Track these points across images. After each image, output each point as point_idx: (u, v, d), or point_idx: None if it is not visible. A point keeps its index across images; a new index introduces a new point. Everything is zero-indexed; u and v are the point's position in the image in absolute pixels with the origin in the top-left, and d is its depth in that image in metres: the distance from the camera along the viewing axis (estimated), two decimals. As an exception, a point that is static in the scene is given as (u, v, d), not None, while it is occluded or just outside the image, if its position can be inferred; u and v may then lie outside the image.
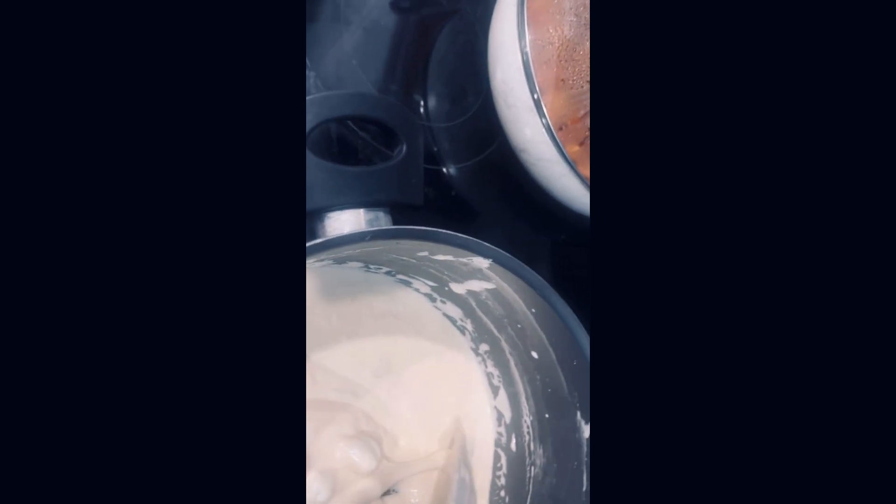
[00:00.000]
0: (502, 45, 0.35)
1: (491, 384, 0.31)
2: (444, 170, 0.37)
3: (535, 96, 0.33)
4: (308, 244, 0.16)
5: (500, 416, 0.31)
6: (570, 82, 0.36)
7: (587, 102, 0.36)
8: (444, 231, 0.20)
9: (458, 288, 0.27)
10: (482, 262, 0.22)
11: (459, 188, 0.37)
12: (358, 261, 0.26)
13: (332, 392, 0.29)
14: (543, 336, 0.26)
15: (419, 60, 0.37)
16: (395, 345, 0.31)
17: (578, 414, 0.26)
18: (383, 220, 0.20)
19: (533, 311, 0.25)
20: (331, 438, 0.26)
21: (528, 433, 0.29)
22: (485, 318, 0.29)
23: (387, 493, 0.28)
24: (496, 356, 0.30)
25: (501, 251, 0.21)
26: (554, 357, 0.26)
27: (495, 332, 0.29)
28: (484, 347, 0.31)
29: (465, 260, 0.23)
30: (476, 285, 0.26)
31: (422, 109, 0.36)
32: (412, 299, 0.30)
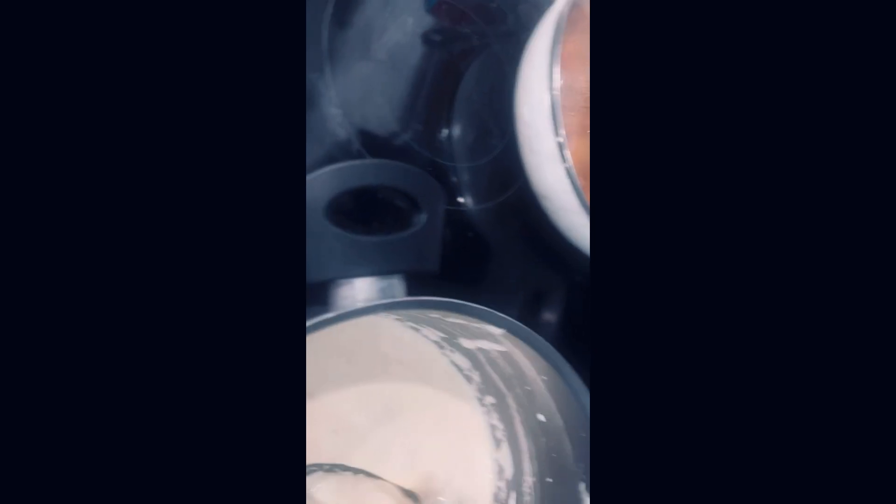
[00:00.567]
0: (531, 85, 0.35)
1: (494, 436, 0.31)
2: (464, 210, 0.36)
3: (561, 145, 0.33)
4: (316, 320, 0.16)
5: (500, 470, 0.31)
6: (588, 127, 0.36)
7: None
8: (458, 302, 0.19)
9: (468, 343, 0.27)
10: (495, 330, 0.22)
11: (477, 228, 0.37)
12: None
13: (332, 433, 0.29)
14: (552, 402, 0.25)
15: (445, 98, 0.37)
16: (399, 390, 0.30)
17: (582, 485, 0.25)
18: (397, 288, 0.20)
19: (543, 378, 0.24)
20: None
21: (530, 494, 0.29)
22: (493, 374, 0.28)
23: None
24: (501, 411, 0.30)
25: (515, 322, 0.21)
26: (561, 424, 0.25)
27: (503, 388, 0.28)
28: (489, 399, 0.30)
29: (477, 325, 0.22)
30: (487, 345, 0.26)
31: (445, 148, 0.36)
32: (420, 345, 0.30)
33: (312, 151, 0.30)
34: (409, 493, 0.28)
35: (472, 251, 0.36)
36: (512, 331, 0.21)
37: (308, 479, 0.26)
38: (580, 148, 0.35)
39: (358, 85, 0.32)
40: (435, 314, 0.22)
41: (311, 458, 0.27)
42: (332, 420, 0.29)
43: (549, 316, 0.41)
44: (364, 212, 0.22)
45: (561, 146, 0.32)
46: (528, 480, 0.29)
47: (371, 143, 0.32)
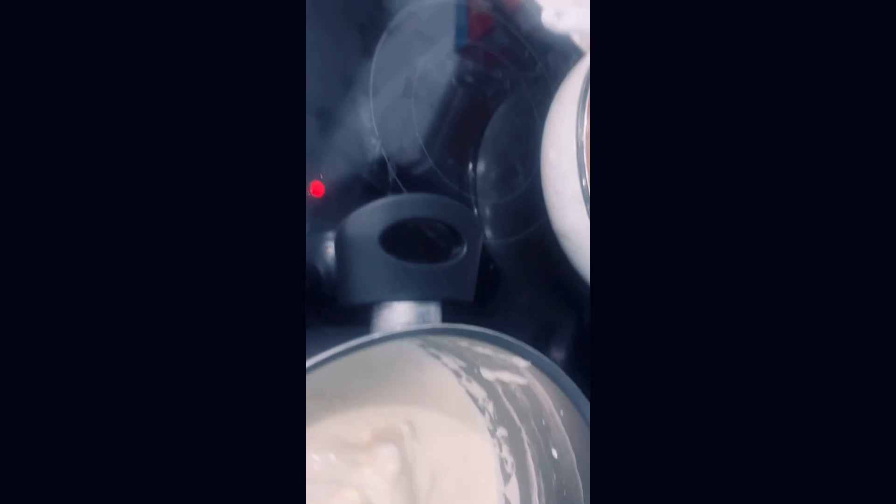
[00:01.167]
0: (559, 130, 0.37)
1: (503, 470, 0.31)
2: (486, 244, 0.38)
3: (585, 188, 0.34)
4: (361, 340, 0.17)
5: (507, 504, 0.31)
6: None
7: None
8: (492, 333, 0.20)
9: (489, 374, 0.28)
10: (520, 362, 0.23)
11: (497, 262, 0.38)
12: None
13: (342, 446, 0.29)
14: (567, 439, 0.26)
15: (475, 137, 0.38)
16: (416, 414, 0.31)
17: (591, 523, 0.25)
18: (434, 314, 0.21)
19: (561, 413, 0.25)
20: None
21: (536, 530, 0.29)
22: (508, 406, 0.29)
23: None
24: (513, 444, 0.30)
25: (542, 356, 0.22)
26: (574, 461, 0.26)
27: (517, 421, 0.29)
28: (502, 432, 0.31)
29: (503, 356, 0.23)
30: (507, 377, 0.27)
31: (472, 184, 0.37)
32: (439, 372, 0.31)
33: (342, 169, 0.31)
34: None
35: (492, 282, 0.37)
36: (537, 364, 0.22)
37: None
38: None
39: (397, 119, 0.34)
40: (464, 342, 0.23)
41: (318, 472, 0.27)
42: (344, 435, 0.30)
43: (558, 351, 0.41)
44: (412, 241, 0.23)
45: (585, 190, 0.33)
46: (536, 516, 0.29)
47: (404, 174, 0.33)
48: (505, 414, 0.30)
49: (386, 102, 0.33)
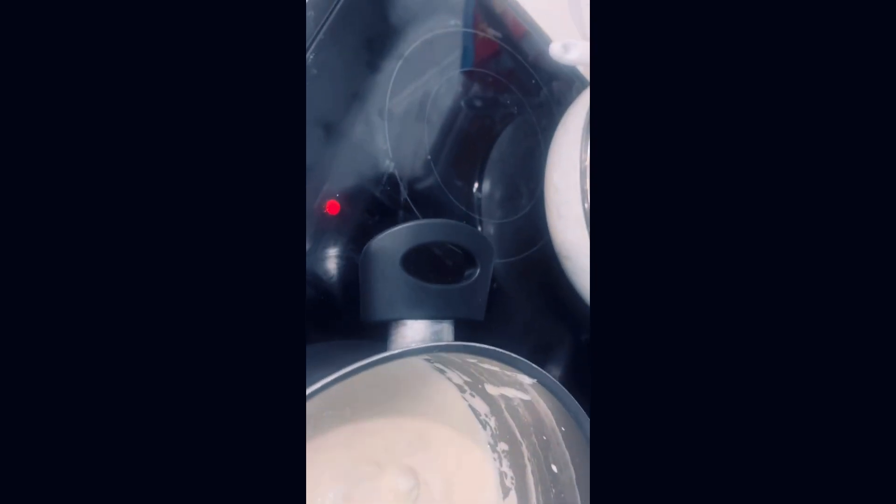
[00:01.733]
0: (564, 155, 0.38)
1: (503, 483, 0.32)
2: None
3: (587, 212, 0.36)
4: (380, 356, 0.18)
5: (506, 518, 0.32)
6: None
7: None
8: (502, 351, 0.22)
9: (493, 390, 0.29)
10: (527, 380, 0.24)
11: (500, 281, 0.39)
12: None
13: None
14: (567, 454, 0.27)
15: (482, 158, 0.40)
16: (422, 428, 0.32)
17: (588, 537, 0.26)
18: (447, 332, 0.22)
19: (563, 429, 0.26)
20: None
21: (534, 543, 0.30)
22: (510, 421, 0.30)
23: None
24: (514, 458, 0.31)
25: (547, 374, 0.23)
26: (574, 476, 0.27)
27: (518, 436, 0.30)
28: (503, 446, 0.32)
29: (510, 373, 0.25)
30: (511, 392, 0.28)
31: (477, 204, 0.39)
32: (444, 386, 0.32)
33: (357, 189, 0.33)
34: None
35: (495, 300, 0.39)
36: (542, 381, 0.23)
37: None
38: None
39: (410, 141, 0.35)
40: (473, 359, 0.24)
41: (327, 480, 0.28)
42: (353, 447, 0.30)
43: (556, 369, 0.43)
44: (432, 264, 0.24)
45: (586, 213, 0.35)
46: (534, 530, 0.30)
47: (415, 193, 0.35)
48: (506, 429, 0.31)
49: (400, 125, 0.35)
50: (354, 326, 0.26)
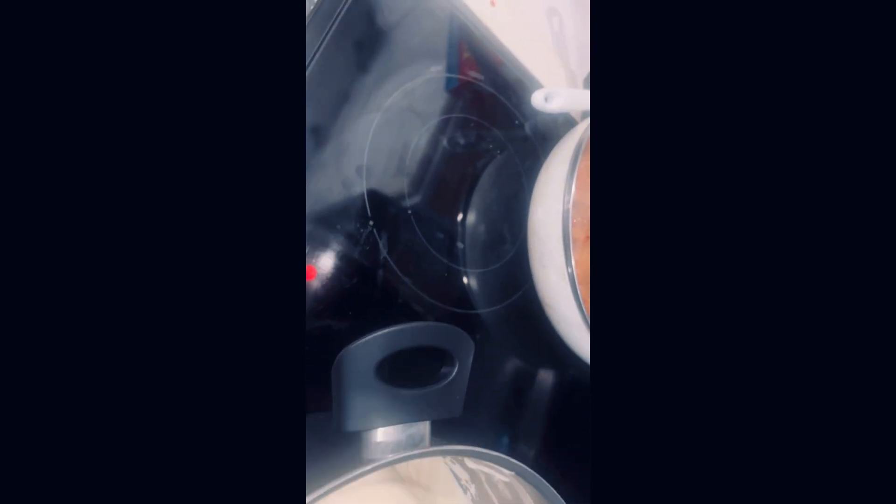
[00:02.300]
0: (546, 200, 0.38)
1: (483, 548, 0.32)
2: (472, 315, 0.38)
3: (570, 271, 0.35)
4: (349, 476, 0.18)
5: (486, 584, 0.32)
6: None
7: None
8: (477, 449, 0.21)
9: (473, 465, 0.28)
10: (504, 475, 0.24)
11: (483, 331, 0.39)
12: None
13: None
14: (547, 535, 0.26)
15: (464, 207, 0.39)
16: (405, 488, 0.31)
17: None
18: (425, 434, 0.22)
19: (542, 512, 0.26)
20: None
21: None
22: (490, 493, 0.30)
23: None
24: (494, 526, 0.31)
25: (527, 468, 0.23)
26: (554, 556, 0.27)
27: (498, 506, 0.30)
28: (484, 512, 0.31)
29: (488, 463, 0.24)
30: (491, 469, 0.27)
31: (462, 256, 0.38)
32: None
33: (330, 245, 0.32)
34: None
35: (479, 350, 0.38)
36: (520, 474, 0.23)
37: None
38: (584, 256, 0.38)
39: (389, 197, 0.34)
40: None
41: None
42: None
43: (541, 406, 0.42)
44: (407, 368, 0.24)
45: (571, 276, 0.35)
46: None
47: (394, 251, 0.34)
48: (486, 499, 0.30)
49: (379, 181, 0.34)
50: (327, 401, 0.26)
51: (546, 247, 0.38)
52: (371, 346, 0.20)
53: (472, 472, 0.30)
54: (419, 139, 0.36)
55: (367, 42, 0.35)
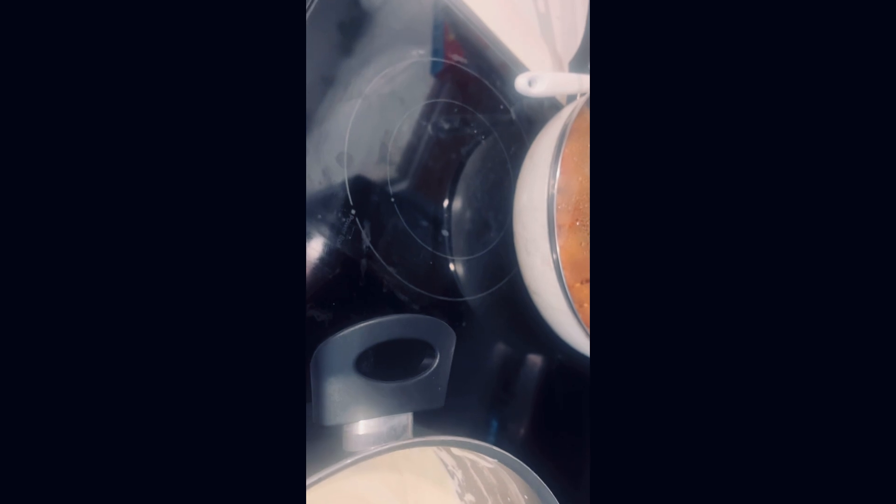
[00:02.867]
0: (531, 188, 0.38)
1: (471, 531, 0.32)
2: (458, 302, 0.38)
3: (555, 257, 0.35)
4: (333, 469, 0.18)
5: (474, 565, 0.32)
6: (584, 224, 0.38)
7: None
8: (461, 440, 0.21)
9: (458, 452, 0.29)
10: (487, 462, 0.24)
11: (470, 318, 0.39)
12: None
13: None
14: (531, 518, 0.27)
15: (449, 194, 0.39)
16: (396, 476, 0.32)
17: None
18: (407, 424, 0.22)
19: (525, 497, 0.26)
20: None
21: None
22: (476, 477, 0.30)
23: None
24: (481, 510, 0.31)
25: (509, 455, 0.23)
26: (537, 538, 0.27)
27: (484, 492, 0.30)
28: (469, 498, 0.32)
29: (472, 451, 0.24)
30: (476, 456, 0.28)
31: (448, 243, 0.38)
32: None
33: (311, 235, 0.31)
34: None
35: (463, 339, 0.38)
36: (503, 462, 0.23)
37: None
38: (569, 241, 0.38)
39: (372, 185, 0.34)
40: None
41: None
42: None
43: (527, 389, 0.43)
44: (387, 360, 0.24)
45: (556, 263, 0.35)
46: (501, 580, 0.30)
47: (378, 240, 0.34)
48: (472, 483, 0.31)
49: (360, 169, 0.33)
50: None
51: (531, 233, 0.38)
52: (349, 340, 0.20)
53: (457, 459, 0.30)
54: (402, 125, 0.36)
55: (347, 24, 0.34)
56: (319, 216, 0.31)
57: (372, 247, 0.33)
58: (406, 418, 0.22)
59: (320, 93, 0.32)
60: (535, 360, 0.44)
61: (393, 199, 0.35)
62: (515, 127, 0.44)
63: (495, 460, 0.24)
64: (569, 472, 0.41)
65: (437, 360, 0.23)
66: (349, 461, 0.18)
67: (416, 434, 0.22)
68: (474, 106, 0.41)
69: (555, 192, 0.35)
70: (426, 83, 0.38)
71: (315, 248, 0.31)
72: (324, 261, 0.31)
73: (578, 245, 0.38)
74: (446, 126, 0.39)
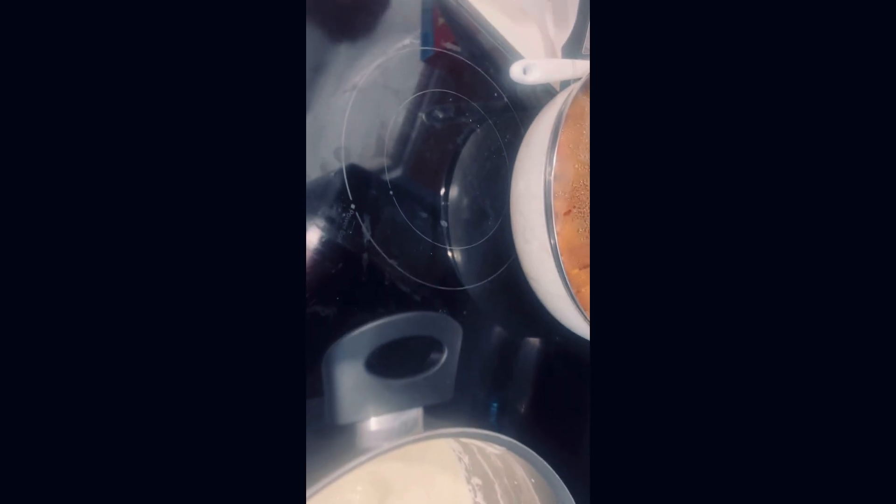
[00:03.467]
0: (527, 175, 0.38)
1: (478, 513, 0.34)
2: (457, 292, 0.39)
3: (553, 243, 0.36)
4: (345, 468, 0.18)
5: (483, 544, 0.33)
6: (581, 211, 0.39)
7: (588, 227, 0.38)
8: (470, 430, 0.22)
9: (465, 438, 0.29)
10: (495, 449, 0.25)
11: (471, 307, 0.39)
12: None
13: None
14: (538, 499, 0.28)
15: (446, 185, 0.39)
16: (406, 464, 0.32)
17: (559, 573, 0.28)
18: (417, 418, 0.22)
19: (532, 480, 0.27)
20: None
21: (509, 571, 0.31)
22: (483, 463, 0.31)
23: None
24: (487, 493, 0.32)
25: (516, 442, 0.24)
26: (544, 518, 0.28)
27: (490, 475, 0.31)
28: (476, 481, 0.33)
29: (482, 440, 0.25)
30: (483, 443, 0.28)
31: (447, 234, 0.38)
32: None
33: (312, 231, 0.32)
34: None
35: (467, 323, 0.39)
36: (511, 449, 0.24)
37: None
38: (566, 227, 0.38)
39: (370, 178, 0.34)
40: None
41: None
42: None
43: (527, 370, 0.44)
44: (397, 358, 0.24)
45: (553, 248, 0.35)
46: (509, 559, 0.32)
47: (379, 233, 0.34)
48: (479, 467, 0.32)
49: (358, 162, 0.33)
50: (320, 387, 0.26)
51: (529, 221, 0.38)
52: (360, 340, 0.20)
53: (464, 445, 0.31)
54: (397, 117, 0.36)
55: (338, 14, 0.33)
56: (319, 212, 0.31)
57: (372, 240, 0.33)
58: (416, 412, 0.23)
59: (313, 86, 0.32)
60: (535, 344, 0.45)
61: (391, 192, 0.35)
62: (510, 114, 0.44)
63: (503, 448, 0.24)
64: (569, 448, 0.42)
65: (445, 355, 0.23)
66: (363, 458, 0.19)
67: (426, 425, 0.22)
68: (468, 94, 0.41)
69: (551, 179, 0.35)
70: (418, 73, 0.37)
71: (316, 243, 0.31)
72: (325, 256, 0.31)
73: (575, 231, 0.39)
74: (441, 115, 0.39)
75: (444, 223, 0.38)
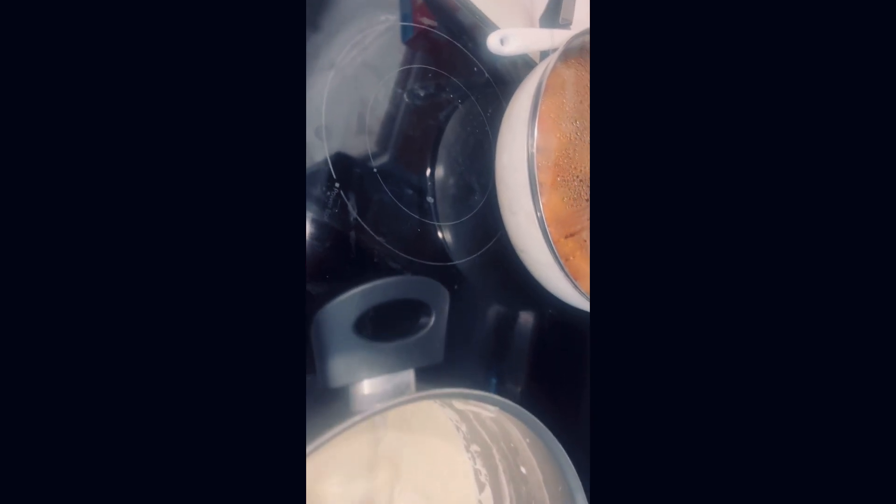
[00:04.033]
0: (510, 146, 0.38)
1: (478, 480, 0.34)
2: (448, 264, 0.39)
3: (539, 215, 0.36)
4: (340, 427, 0.19)
5: (484, 509, 0.34)
6: (565, 180, 0.39)
7: (578, 196, 0.39)
8: (462, 391, 0.22)
9: (461, 405, 0.30)
10: (489, 410, 0.25)
11: (461, 282, 0.40)
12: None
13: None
14: (534, 460, 0.29)
15: (430, 161, 0.39)
16: (405, 434, 0.33)
17: (558, 529, 0.29)
18: (410, 381, 0.23)
19: (527, 440, 0.28)
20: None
21: (510, 533, 0.32)
22: (479, 429, 0.32)
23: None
24: (485, 459, 0.33)
25: (508, 402, 0.24)
26: (541, 478, 0.29)
27: (488, 441, 0.32)
28: (475, 448, 0.34)
29: (474, 401, 0.26)
30: (477, 407, 0.29)
31: (434, 210, 0.38)
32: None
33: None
34: None
35: (456, 302, 0.39)
36: (504, 409, 0.25)
37: None
38: (553, 199, 0.39)
39: (353, 157, 0.34)
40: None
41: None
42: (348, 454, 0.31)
43: (523, 345, 0.44)
44: (385, 321, 0.24)
45: (540, 220, 0.35)
46: (510, 521, 0.32)
47: (365, 210, 0.34)
48: (477, 434, 0.32)
49: (340, 142, 0.33)
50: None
51: (514, 193, 0.38)
52: (346, 305, 0.21)
53: (461, 413, 0.32)
54: (377, 94, 0.36)
55: (311, -6, 0.33)
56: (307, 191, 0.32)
57: (359, 218, 0.34)
58: (409, 375, 0.23)
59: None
60: (527, 315, 0.45)
61: (375, 170, 0.35)
62: (491, 88, 0.44)
63: (496, 408, 0.25)
64: (566, 413, 0.43)
65: (434, 318, 0.23)
66: (357, 418, 0.19)
67: (418, 390, 0.23)
68: (448, 70, 0.41)
69: (534, 150, 0.36)
70: (397, 50, 0.37)
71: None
72: (313, 235, 0.32)
73: (561, 201, 0.39)
74: (422, 92, 0.39)
75: (430, 199, 0.38)
